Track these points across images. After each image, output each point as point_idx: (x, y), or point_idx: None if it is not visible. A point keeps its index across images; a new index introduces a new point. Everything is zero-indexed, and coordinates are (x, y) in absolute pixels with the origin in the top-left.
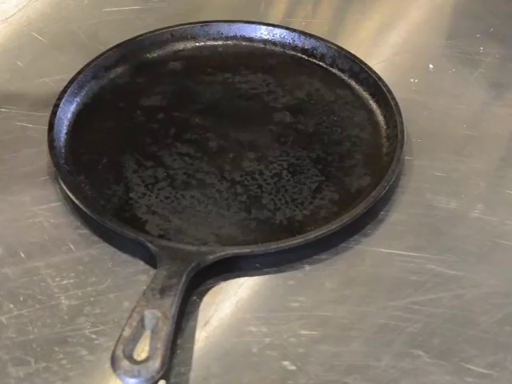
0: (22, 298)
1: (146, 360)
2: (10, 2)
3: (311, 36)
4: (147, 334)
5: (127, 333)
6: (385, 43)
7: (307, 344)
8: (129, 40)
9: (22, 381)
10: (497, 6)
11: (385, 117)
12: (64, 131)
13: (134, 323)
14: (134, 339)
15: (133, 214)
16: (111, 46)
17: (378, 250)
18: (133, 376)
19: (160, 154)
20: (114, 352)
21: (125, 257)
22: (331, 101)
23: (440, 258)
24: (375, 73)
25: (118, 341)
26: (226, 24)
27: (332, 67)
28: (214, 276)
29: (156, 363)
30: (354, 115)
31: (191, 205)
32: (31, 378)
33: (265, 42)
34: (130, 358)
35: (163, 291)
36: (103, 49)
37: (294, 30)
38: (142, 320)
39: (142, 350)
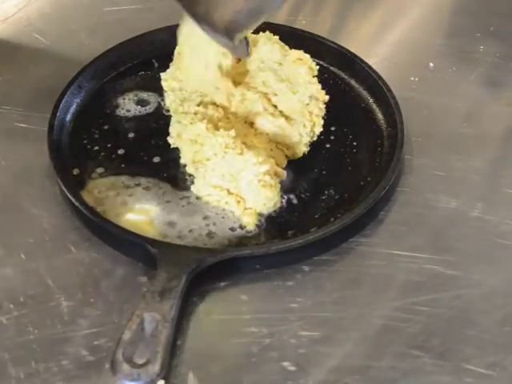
0: (22, 299)
1: (146, 363)
2: (9, 2)
3: (311, 35)
4: (147, 336)
5: (127, 336)
6: (385, 42)
7: (307, 345)
8: (129, 40)
9: (22, 381)
10: (497, 5)
11: (384, 116)
12: (64, 132)
13: (134, 326)
14: (134, 342)
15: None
16: (111, 46)
17: (378, 251)
18: (133, 379)
19: (161, 155)
20: (113, 355)
21: (125, 258)
22: (331, 100)
23: (440, 258)
24: (375, 72)
25: (117, 344)
26: None
27: (332, 66)
28: (213, 277)
29: (156, 366)
30: (354, 114)
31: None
32: (31, 378)
33: None
34: (130, 362)
35: (163, 294)
36: (103, 49)
37: (294, 29)
38: (141, 323)
39: (141, 353)
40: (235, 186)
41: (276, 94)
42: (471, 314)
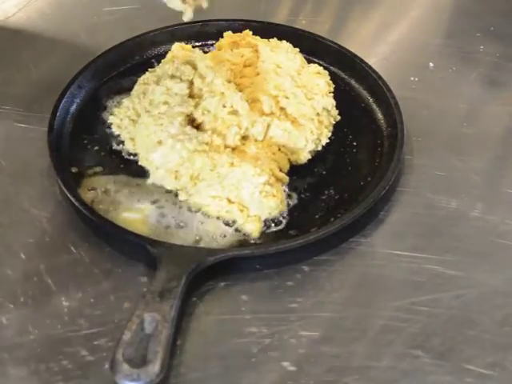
0: (22, 299)
1: (146, 363)
2: (9, 2)
3: (311, 35)
4: (147, 337)
5: (127, 336)
6: (385, 42)
7: (307, 345)
8: (129, 40)
9: (22, 381)
10: (497, 5)
11: (384, 116)
12: (64, 132)
13: (134, 326)
14: (134, 343)
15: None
16: (111, 46)
17: (378, 251)
18: (132, 380)
19: None
20: (113, 355)
21: (125, 258)
22: None
23: (440, 258)
24: (375, 71)
25: (117, 344)
26: (225, 23)
27: (332, 66)
28: (214, 277)
29: (155, 367)
30: (354, 114)
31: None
32: (31, 378)
33: None
34: (130, 362)
35: (163, 294)
36: (103, 49)
37: (294, 29)
38: (141, 323)
39: (141, 354)
40: (236, 195)
41: (287, 97)
42: (471, 314)
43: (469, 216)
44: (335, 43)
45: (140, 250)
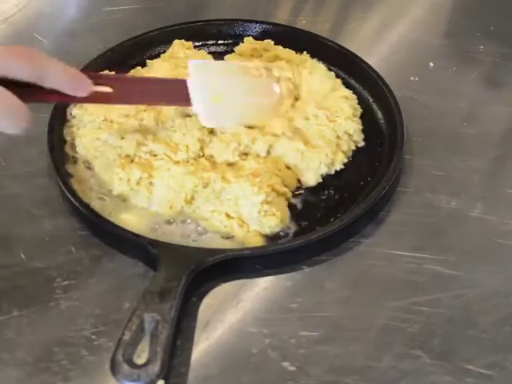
0: (22, 299)
1: (146, 364)
2: (9, 2)
3: (311, 35)
4: (147, 337)
5: (127, 336)
6: (385, 42)
7: (307, 345)
8: (129, 40)
9: (22, 381)
10: (497, 4)
11: (385, 116)
12: (64, 132)
13: (134, 327)
14: (134, 343)
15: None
16: (111, 45)
17: (378, 251)
18: (132, 380)
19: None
20: (113, 356)
21: (125, 258)
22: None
23: (440, 258)
24: (375, 71)
25: (117, 345)
26: (225, 23)
27: (332, 66)
28: (214, 277)
29: (156, 367)
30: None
31: None
32: (31, 378)
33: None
34: (130, 362)
35: (163, 294)
36: (103, 49)
37: (294, 29)
38: (141, 323)
39: (141, 354)
40: (235, 211)
41: (307, 119)
42: (471, 314)
43: (469, 216)
44: (335, 43)
45: (140, 250)
